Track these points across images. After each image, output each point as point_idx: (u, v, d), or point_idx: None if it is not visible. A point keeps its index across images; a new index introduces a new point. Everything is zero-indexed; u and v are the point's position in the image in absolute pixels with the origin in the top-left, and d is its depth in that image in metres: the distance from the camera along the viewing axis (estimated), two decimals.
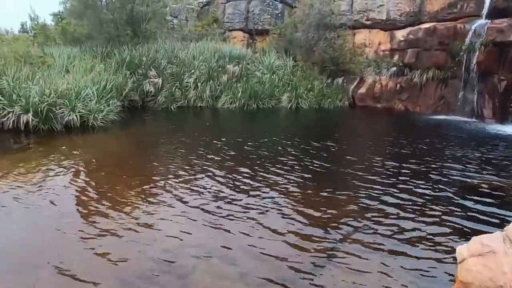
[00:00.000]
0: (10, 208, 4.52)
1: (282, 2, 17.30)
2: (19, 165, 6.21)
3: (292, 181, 5.52)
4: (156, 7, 15.04)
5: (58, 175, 5.78)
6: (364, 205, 4.61)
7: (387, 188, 5.14)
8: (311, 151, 7.27)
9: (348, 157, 6.99)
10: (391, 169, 6.08)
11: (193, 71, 13.27)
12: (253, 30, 17.63)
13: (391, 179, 5.57)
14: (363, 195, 4.91)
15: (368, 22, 14.39)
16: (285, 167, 6.16)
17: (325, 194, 5.00)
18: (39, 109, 8.42)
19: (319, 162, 6.47)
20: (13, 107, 8.41)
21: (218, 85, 13.35)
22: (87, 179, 5.65)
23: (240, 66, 14.01)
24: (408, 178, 5.56)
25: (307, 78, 14.14)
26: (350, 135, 9.85)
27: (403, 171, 5.98)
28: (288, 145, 7.72)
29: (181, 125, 10.97)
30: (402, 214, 4.32)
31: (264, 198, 4.88)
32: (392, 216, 4.28)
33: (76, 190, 5.16)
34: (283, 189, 5.17)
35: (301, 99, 13.22)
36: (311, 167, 6.21)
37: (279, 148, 7.51)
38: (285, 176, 5.72)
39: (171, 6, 17.10)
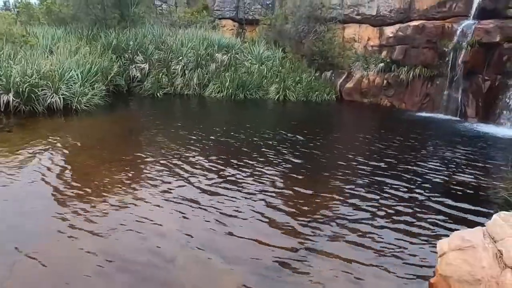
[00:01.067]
0: None
1: None
2: None
3: (275, 172, 5.53)
4: None
5: (39, 157, 5.66)
6: (343, 199, 4.66)
7: (366, 183, 5.21)
8: (296, 144, 7.29)
9: (333, 151, 7.05)
10: (372, 165, 6.14)
11: (180, 58, 13.08)
12: (243, 19, 17.47)
13: (371, 175, 5.64)
14: (343, 189, 4.96)
15: (358, 17, 14.39)
16: (270, 159, 6.17)
17: (306, 186, 5.03)
18: (21, 89, 8.20)
19: (302, 155, 6.50)
20: None
21: (206, 74, 13.21)
22: (68, 162, 5.58)
23: (229, 55, 13.88)
24: (387, 174, 5.64)
25: (295, 71, 14.10)
26: (335, 129, 9.92)
27: (383, 166, 6.06)
28: (273, 137, 7.71)
29: (167, 112, 10.85)
30: (379, 212, 4.38)
31: (247, 189, 4.88)
32: (369, 213, 4.34)
33: (56, 173, 5.07)
34: (267, 181, 5.18)
35: (289, 91, 13.19)
36: (294, 160, 6.23)
37: (265, 139, 7.50)
38: (269, 168, 5.74)
39: None
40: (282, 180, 5.21)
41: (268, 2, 17.13)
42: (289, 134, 7.97)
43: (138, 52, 12.86)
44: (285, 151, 6.61)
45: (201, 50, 13.38)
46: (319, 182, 5.23)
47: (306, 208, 4.33)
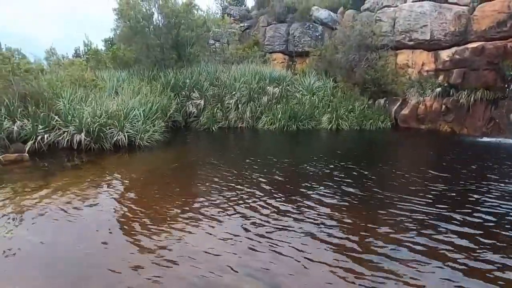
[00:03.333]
0: (60, 221, 4.79)
1: (322, 24, 17.46)
2: (72, 182, 6.58)
3: (332, 204, 5.44)
4: (200, 32, 15.67)
5: (106, 192, 6.06)
6: (405, 232, 4.44)
7: (429, 215, 4.94)
8: (353, 173, 7.14)
9: (392, 181, 6.79)
10: (435, 196, 5.82)
11: (234, 92, 13.59)
12: (293, 52, 17.85)
13: (434, 207, 5.34)
14: (405, 222, 4.74)
15: (411, 43, 14.15)
16: (326, 190, 6.09)
17: (366, 218, 4.88)
18: (91, 129, 8.94)
19: (360, 185, 6.34)
20: (68, 127, 8.98)
21: (259, 106, 13.56)
22: (131, 195, 5.91)
23: (280, 87, 14.19)
24: (454, 206, 5.30)
25: (347, 99, 14.04)
26: (393, 158, 9.58)
27: (448, 196, 5.72)
28: (328, 167, 7.63)
29: (222, 145, 11.20)
30: (450, 247, 4.11)
31: (303, 220, 4.83)
32: (442, 248, 4.09)
33: (121, 207, 5.38)
34: (323, 212, 5.10)
35: (342, 120, 13.11)
36: (352, 190, 6.09)
37: (320, 170, 7.44)
38: (325, 198, 5.65)
39: (214, 31, 17.71)
40: (337, 212, 5.10)
41: (317, 34, 17.42)
42: (345, 164, 7.85)
43: (194, 89, 13.57)
44: (340, 182, 6.49)
45: (253, 84, 13.82)
46: (378, 216, 5.05)
47: (368, 241, 4.19)
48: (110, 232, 4.51)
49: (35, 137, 8.60)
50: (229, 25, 18.54)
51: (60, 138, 8.92)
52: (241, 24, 20.00)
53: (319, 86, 14.64)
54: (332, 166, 7.74)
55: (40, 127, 8.76)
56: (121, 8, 14.32)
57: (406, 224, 4.63)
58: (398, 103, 14.07)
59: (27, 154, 8.17)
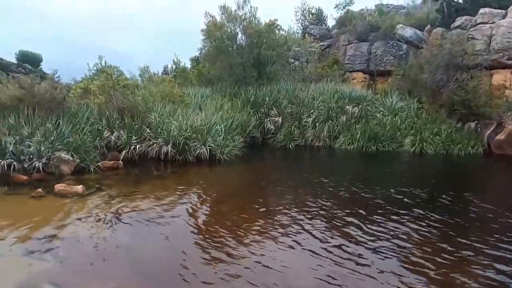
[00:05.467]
0: (148, 227, 5.16)
1: (407, 42, 16.77)
2: (158, 190, 7.10)
3: (412, 233, 5.09)
4: (281, 51, 16.02)
5: (188, 201, 6.46)
6: (496, 273, 4.00)
7: None
8: (436, 203, 6.64)
9: (483, 214, 6.15)
10: None
11: (312, 111, 13.57)
12: (374, 71, 17.35)
13: None
14: (496, 260, 4.27)
15: (510, 62, 12.93)
16: (404, 217, 5.71)
17: (451, 252, 4.49)
18: (177, 141, 9.57)
19: (446, 216, 5.86)
20: (157, 138, 9.71)
21: (337, 126, 13.35)
22: (209, 207, 6.25)
23: (359, 107, 13.84)
24: None
25: (433, 122, 13.18)
26: (485, 187, 8.72)
27: None
28: (409, 194, 7.17)
29: (299, 163, 11.22)
30: None
31: (382, 247, 4.61)
32: None
33: (201, 217, 5.68)
34: (403, 241, 4.81)
35: (426, 144, 12.32)
36: (436, 219, 5.65)
37: (400, 196, 7.02)
38: (405, 226, 5.32)
39: (294, 50, 17.97)
40: (418, 242, 4.77)
41: (401, 53, 16.75)
42: (428, 191, 7.35)
43: (273, 107, 13.82)
44: (422, 211, 6.07)
45: (332, 103, 13.68)
46: (463, 251, 4.60)
47: (452, 276, 3.86)
48: (190, 240, 4.78)
49: (129, 147, 9.44)
50: (309, 44, 18.68)
51: (149, 148, 9.67)
52: (321, 43, 20.02)
53: (401, 106, 13.99)
54: (415, 192, 7.28)
55: (134, 137, 9.60)
56: (209, 29, 15.24)
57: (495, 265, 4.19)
58: (493, 127, 12.84)
59: (121, 162, 8.98)
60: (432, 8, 17.91)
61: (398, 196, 6.94)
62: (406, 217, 5.73)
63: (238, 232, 5.00)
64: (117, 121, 9.92)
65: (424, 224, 5.40)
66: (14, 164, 7.43)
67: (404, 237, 4.93)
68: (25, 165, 7.53)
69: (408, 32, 16.81)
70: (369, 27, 18.14)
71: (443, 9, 16.17)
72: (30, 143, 7.77)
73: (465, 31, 14.30)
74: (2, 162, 7.32)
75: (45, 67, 22.07)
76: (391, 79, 16.31)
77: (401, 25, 17.25)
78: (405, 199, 6.73)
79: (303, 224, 5.36)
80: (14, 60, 22.62)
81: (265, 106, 13.85)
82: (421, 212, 5.96)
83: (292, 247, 4.57)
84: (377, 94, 15.53)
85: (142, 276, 3.88)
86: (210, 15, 15.51)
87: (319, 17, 24.11)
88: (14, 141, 7.72)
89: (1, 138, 7.66)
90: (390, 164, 11.14)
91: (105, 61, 12.58)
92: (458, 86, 13.03)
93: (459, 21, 14.92)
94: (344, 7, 22.68)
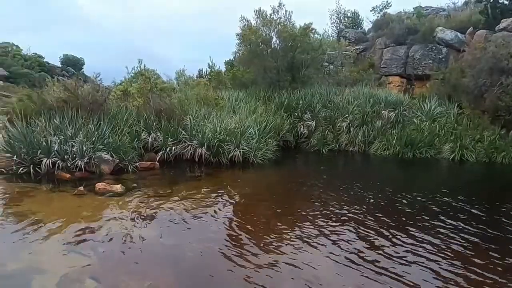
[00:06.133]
0: (183, 226, 5.27)
1: (447, 46, 16.20)
2: (192, 191, 7.24)
3: (451, 246, 4.89)
4: (315, 55, 15.90)
5: (221, 203, 6.56)
6: None
7: None
8: (478, 214, 6.36)
9: None
10: None
11: (346, 115, 13.37)
12: (412, 75, 16.87)
13: None
14: None
15: None
16: (441, 229, 5.49)
17: (494, 265, 4.28)
18: (212, 144, 9.70)
19: (488, 228, 5.60)
20: (192, 141, 9.89)
21: (372, 131, 13.07)
22: (241, 209, 6.32)
23: (396, 112, 13.48)
24: None
25: (474, 128, 12.64)
26: None
27: None
28: (449, 204, 6.90)
29: (332, 168, 11.08)
30: None
31: (421, 255, 4.47)
32: None
33: (235, 219, 5.73)
34: (442, 255, 4.63)
35: (467, 151, 11.82)
36: (477, 232, 5.41)
37: (438, 206, 6.76)
38: (444, 238, 5.12)
39: (328, 53, 17.79)
40: (451, 256, 4.59)
41: (440, 56, 16.21)
42: (481, 204, 7.02)
43: (306, 111, 13.73)
44: (461, 223, 5.83)
45: (367, 107, 13.42)
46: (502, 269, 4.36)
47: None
48: (222, 242, 4.84)
49: (165, 148, 9.68)
50: (344, 48, 18.44)
51: (184, 150, 9.87)
52: (357, 47, 19.73)
53: (441, 112, 13.50)
54: (455, 202, 7.01)
55: (170, 139, 9.84)
56: (244, 33, 15.40)
57: None
58: None
59: (158, 163, 9.23)
60: (474, 10, 17.19)
61: (438, 206, 6.71)
62: (444, 229, 5.54)
63: (269, 237, 5.01)
64: (154, 123, 10.20)
65: (460, 238, 5.20)
66: (58, 163, 7.81)
67: (436, 250, 4.76)
68: (68, 164, 7.88)
69: (449, 35, 16.23)
70: (407, 30, 17.69)
71: (487, 10, 15.48)
72: (74, 143, 8.12)
73: (511, 34, 13.65)
74: (48, 160, 7.71)
75: (87, 70, 23.12)
76: (429, 83, 15.80)
77: (441, 27, 16.69)
78: (440, 208, 6.50)
79: (335, 232, 5.29)
80: (58, 64, 23.82)
81: (299, 110, 13.78)
82: (460, 224, 5.74)
83: (325, 256, 4.52)
84: (414, 98, 15.06)
85: (177, 275, 3.98)
86: (245, 19, 15.69)
87: (354, 21, 23.78)
88: (59, 141, 8.10)
89: (47, 137, 8.07)
90: (428, 171, 10.77)
91: (144, 64, 13.00)
92: (503, 91, 12.42)
93: (504, 23, 14.27)
94: (381, 10, 22.30)
